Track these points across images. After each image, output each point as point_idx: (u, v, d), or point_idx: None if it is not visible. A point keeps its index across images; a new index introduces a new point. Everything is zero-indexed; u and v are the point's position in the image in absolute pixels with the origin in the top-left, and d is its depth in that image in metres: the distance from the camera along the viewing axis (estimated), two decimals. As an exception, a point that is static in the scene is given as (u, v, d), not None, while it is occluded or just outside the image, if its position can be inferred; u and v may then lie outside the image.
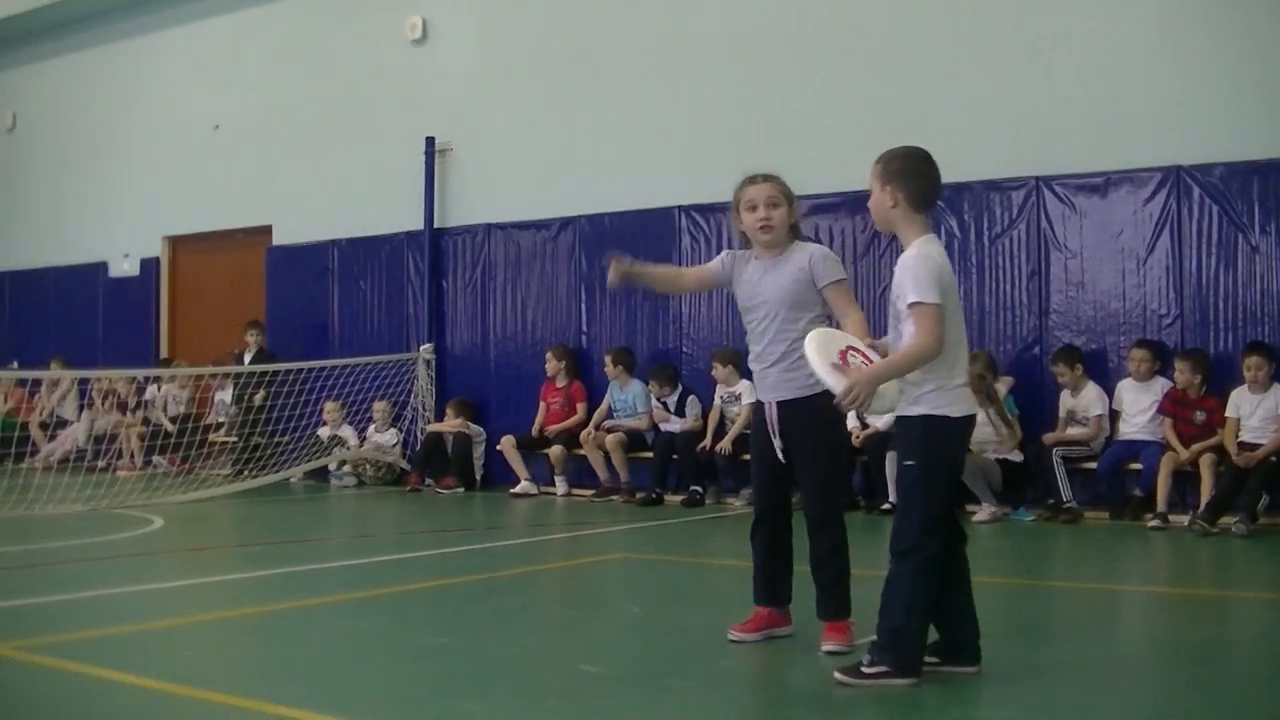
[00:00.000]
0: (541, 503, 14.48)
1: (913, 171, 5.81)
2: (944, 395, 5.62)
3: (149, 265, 21.13)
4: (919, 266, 5.60)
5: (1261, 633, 7.35)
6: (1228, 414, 11.70)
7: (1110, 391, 12.55)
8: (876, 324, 13.54)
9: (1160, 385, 12.28)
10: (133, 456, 18.55)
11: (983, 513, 12.10)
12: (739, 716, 5.52)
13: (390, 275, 17.89)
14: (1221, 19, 12.49)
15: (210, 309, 20.52)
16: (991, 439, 12.12)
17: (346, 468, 16.77)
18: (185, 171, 20.52)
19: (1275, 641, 7.11)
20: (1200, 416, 11.92)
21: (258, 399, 17.05)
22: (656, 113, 15.71)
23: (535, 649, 6.60)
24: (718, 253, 14.38)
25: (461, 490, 15.63)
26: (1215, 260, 12.32)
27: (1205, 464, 11.58)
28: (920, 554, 5.57)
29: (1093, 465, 12.35)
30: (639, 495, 14.20)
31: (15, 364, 20.78)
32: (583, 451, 14.98)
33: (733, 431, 13.79)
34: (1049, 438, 12.38)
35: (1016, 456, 12.37)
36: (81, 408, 20.02)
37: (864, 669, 5.53)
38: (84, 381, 19.80)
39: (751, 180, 6.57)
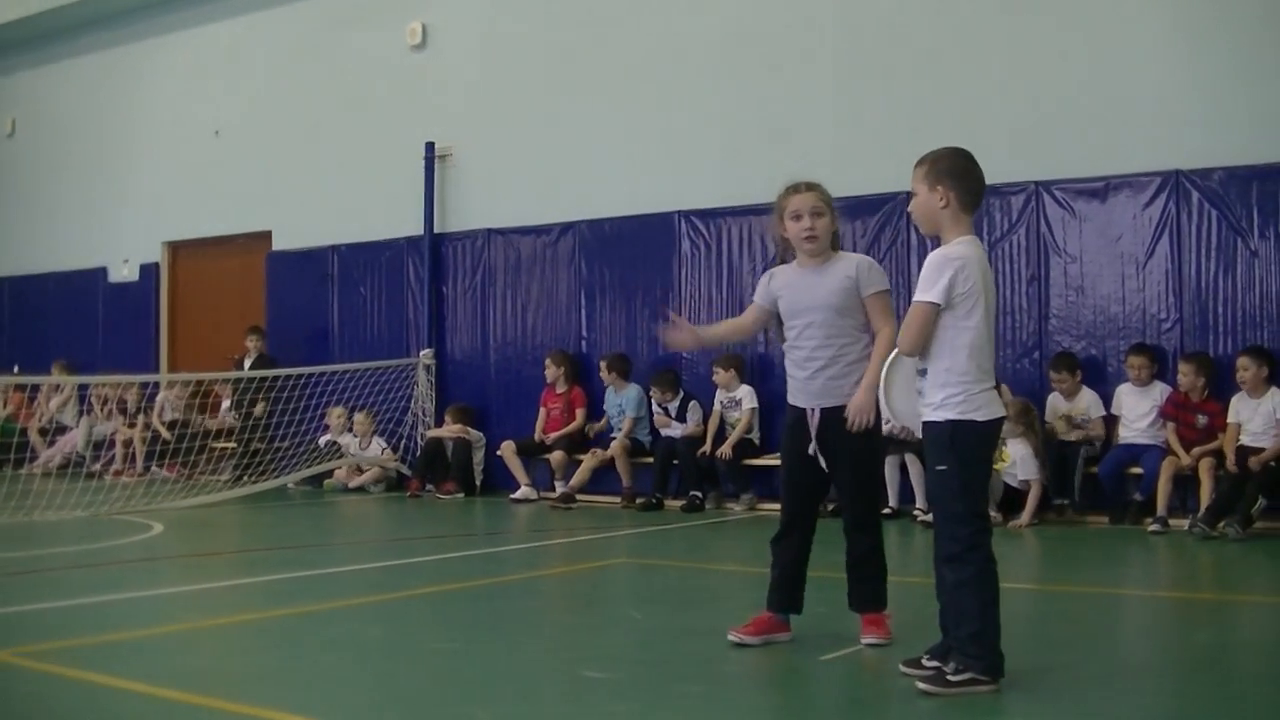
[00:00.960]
0: (542, 508, 14.46)
1: (963, 171, 5.84)
2: (972, 400, 5.64)
3: (149, 271, 21.13)
4: (934, 266, 5.66)
5: (1263, 637, 7.37)
6: (1229, 419, 11.69)
7: (1108, 396, 12.56)
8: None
9: (1160, 390, 12.28)
10: (130, 461, 18.53)
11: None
12: (742, 722, 5.53)
13: (390, 280, 17.89)
14: (1221, 24, 12.49)
15: (210, 315, 20.52)
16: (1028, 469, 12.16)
17: (371, 479, 16.71)
18: (186, 177, 20.52)
19: (1278, 645, 7.11)
20: (1202, 420, 11.92)
21: (258, 407, 17.02)
22: (656, 118, 15.72)
23: (538, 654, 6.61)
24: (718, 259, 14.54)
25: (462, 496, 15.62)
26: (1214, 265, 12.32)
27: (1205, 468, 11.58)
28: (977, 555, 5.59)
29: (1093, 469, 12.35)
30: (640, 500, 14.19)
31: (16, 369, 20.79)
32: (582, 457, 14.95)
33: (733, 437, 13.79)
34: (1071, 434, 12.44)
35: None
36: (81, 413, 20.01)
37: (950, 677, 5.51)
38: (83, 387, 19.80)
39: (795, 189, 6.64)
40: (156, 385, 19.18)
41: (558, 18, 16.69)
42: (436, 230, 17.44)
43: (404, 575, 9.75)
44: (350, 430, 16.94)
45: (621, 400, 14.98)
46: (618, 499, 14.50)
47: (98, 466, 18.20)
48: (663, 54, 15.75)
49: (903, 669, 5.84)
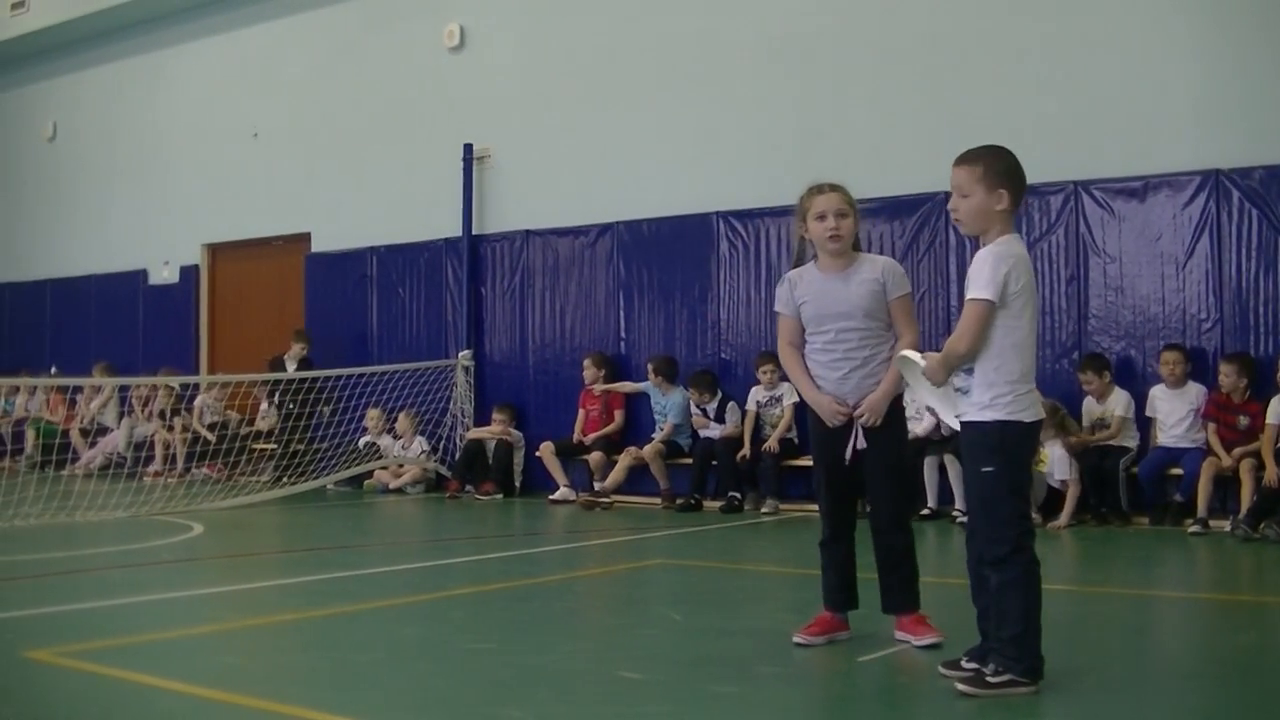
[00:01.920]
0: (580, 509, 14.45)
1: (1017, 171, 5.83)
2: (1019, 400, 5.63)
3: (189, 273, 21.23)
4: (987, 263, 5.63)
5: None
6: (1269, 420, 11.62)
7: (1141, 398, 12.50)
8: (923, 333, 13.62)
9: (1195, 391, 12.21)
10: (170, 462, 18.59)
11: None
12: (779, 723, 5.52)
13: (429, 282, 17.93)
14: (1260, 22, 12.42)
15: (249, 316, 20.62)
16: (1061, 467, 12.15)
17: (410, 480, 16.74)
18: (224, 179, 20.61)
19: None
20: (1244, 421, 11.85)
21: (322, 408, 17.04)
22: (694, 119, 15.71)
23: (576, 655, 6.60)
24: (755, 260, 14.52)
25: (500, 496, 15.65)
26: (1255, 264, 12.25)
27: (1246, 469, 11.50)
28: (1022, 557, 5.57)
29: (1133, 470, 12.29)
30: (678, 501, 14.18)
31: (54, 370, 20.90)
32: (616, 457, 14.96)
33: (778, 431, 13.76)
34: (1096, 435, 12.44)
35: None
36: (121, 415, 20.11)
37: (990, 679, 5.49)
38: (124, 388, 19.90)
39: (819, 190, 6.62)
40: (190, 387, 19.24)
41: (595, 18, 16.71)
42: (475, 231, 17.47)
43: (441, 576, 9.77)
44: (389, 431, 16.98)
45: (666, 403, 14.97)
46: (656, 500, 14.49)
47: (139, 468, 18.27)
48: (700, 54, 15.75)
49: (942, 671, 5.82)
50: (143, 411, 19.78)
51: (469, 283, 17.34)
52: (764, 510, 13.66)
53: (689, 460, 14.60)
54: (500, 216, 17.40)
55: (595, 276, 16.33)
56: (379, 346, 18.28)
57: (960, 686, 5.53)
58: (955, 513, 12.39)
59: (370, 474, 16.82)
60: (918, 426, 12.95)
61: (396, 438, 16.91)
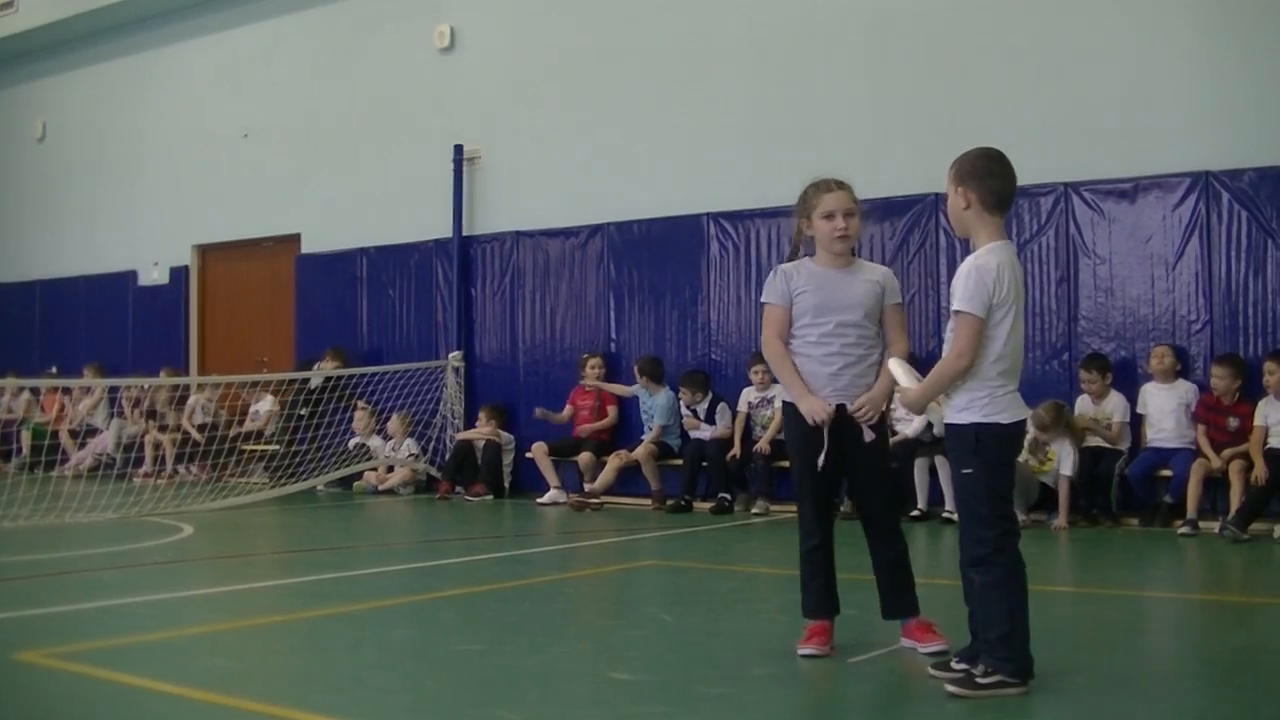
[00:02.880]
0: (570, 510, 14.45)
1: (985, 172, 5.79)
2: (997, 402, 5.64)
3: (179, 274, 21.21)
4: (970, 276, 5.63)
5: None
6: (1255, 423, 11.66)
7: (1132, 399, 12.52)
8: (911, 334, 13.63)
9: (1185, 389, 12.26)
10: (160, 463, 18.57)
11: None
12: (770, 724, 5.52)
13: (419, 283, 17.92)
14: (1250, 24, 12.45)
15: (240, 317, 20.63)
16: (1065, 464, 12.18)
17: (400, 481, 16.73)
18: (214, 180, 20.61)
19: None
20: (1234, 423, 11.88)
21: (303, 410, 17.05)
22: (685, 120, 15.73)
23: (566, 656, 6.60)
24: (746, 261, 14.52)
25: (491, 498, 15.65)
26: (1245, 266, 12.27)
27: (1235, 471, 11.52)
28: (1003, 558, 5.59)
29: (1124, 471, 12.32)
30: (669, 502, 14.18)
31: (54, 369, 20.88)
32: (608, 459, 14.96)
33: (769, 432, 13.76)
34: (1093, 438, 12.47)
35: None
36: (111, 416, 20.10)
37: (979, 680, 5.50)
38: (113, 389, 19.89)
39: (827, 187, 6.54)
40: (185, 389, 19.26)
41: (585, 20, 16.72)
42: (465, 233, 17.47)
43: (432, 577, 9.76)
44: (378, 432, 16.98)
45: (652, 405, 14.97)
46: (647, 501, 14.50)
47: (128, 470, 18.25)
48: (691, 56, 15.76)
49: (931, 672, 5.83)
50: (132, 412, 19.77)
51: (459, 284, 17.33)
52: (755, 511, 13.66)
53: (680, 461, 14.60)
54: (490, 217, 17.40)
55: (586, 278, 16.33)
56: (369, 348, 18.25)
57: (950, 688, 5.53)
58: (945, 513, 12.41)
59: (360, 475, 16.81)
60: (907, 428, 12.99)
61: (387, 439, 16.90)
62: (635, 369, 15.11)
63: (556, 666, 6.33)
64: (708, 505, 14.04)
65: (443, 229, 17.56)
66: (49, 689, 5.95)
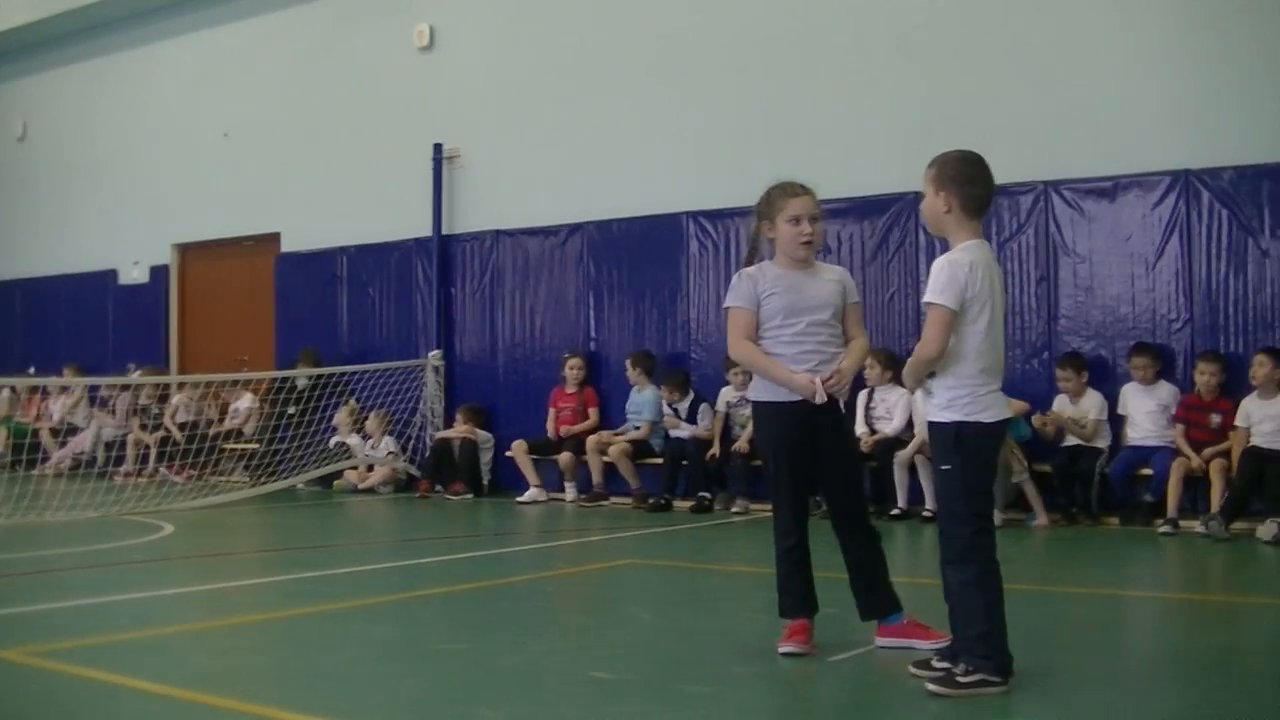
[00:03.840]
0: (550, 509, 14.47)
1: (968, 178, 5.84)
2: (978, 401, 5.67)
3: (159, 272, 21.17)
4: (944, 270, 5.68)
5: (1275, 639, 7.34)
6: (1237, 422, 11.68)
7: (1112, 398, 12.55)
8: (883, 329, 13.65)
9: (1165, 391, 12.27)
10: (142, 462, 18.54)
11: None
12: (751, 722, 5.52)
13: (399, 282, 17.90)
14: (1229, 22, 12.47)
15: (220, 316, 20.59)
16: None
17: (380, 480, 16.72)
18: (195, 179, 20.57)
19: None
20: (1216, 420, 11.90)
21: (291, 409, 17.03)
22: (664, 119, 15.72)
23: (546, 655, 6.60)
24: (725, 260, 14.53)
25: (470, 496, 15.64)
26: (1225, 264, 12.30)
27: (1216, 470, 11.55)
28: (979, 555, 5.61)
29: (1104, 470, 12.33)
30: (649, 501, 14.18)
31: (32, 370, 20.82)
32: (584, 458, 14.98)
33: (748, 431, 13.69)
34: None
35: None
36: (91, 415, 20.06)
37: (959, 679, 5.50)
38: (93, 388, 19.85)
39: (792, 191, 6.54)
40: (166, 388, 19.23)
41: (565, 19, 16.71)
42: (445, 232, 17.46)
43: (412, 576, 9.75)
44: (358, 431, 16.96)
45: (640, 401, 14.98)
46: (627, 500, 14.50)
47: (108, 469, 18.21)
48: (671, 55, 15.76)
49: (912, 671, 5.83)
50: (106, 410, 19.74)
51: (439, 283, 17.32)
52: (734, 510, 13.66)
53: (659, 460, 14.60)
54: (470, 216, 17.39)
55: (565, 276, 16.33)
56: (349, 346, 18.23)
57: (930, 687, 5.53)
58: (925, 512, 12.42)
59: (340, 474, 16.79)
60: (886, 426, 13.01)
61: (365, 438, 16.88)
62: (628, 361, 15.11)
63: (537, 665, 6.33)
64: (687, 504, 14.03)
65: (422, 228, 17.55)
66: (29, 687, 5.93)
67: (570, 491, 14.98)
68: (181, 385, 18.93)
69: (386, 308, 18.06)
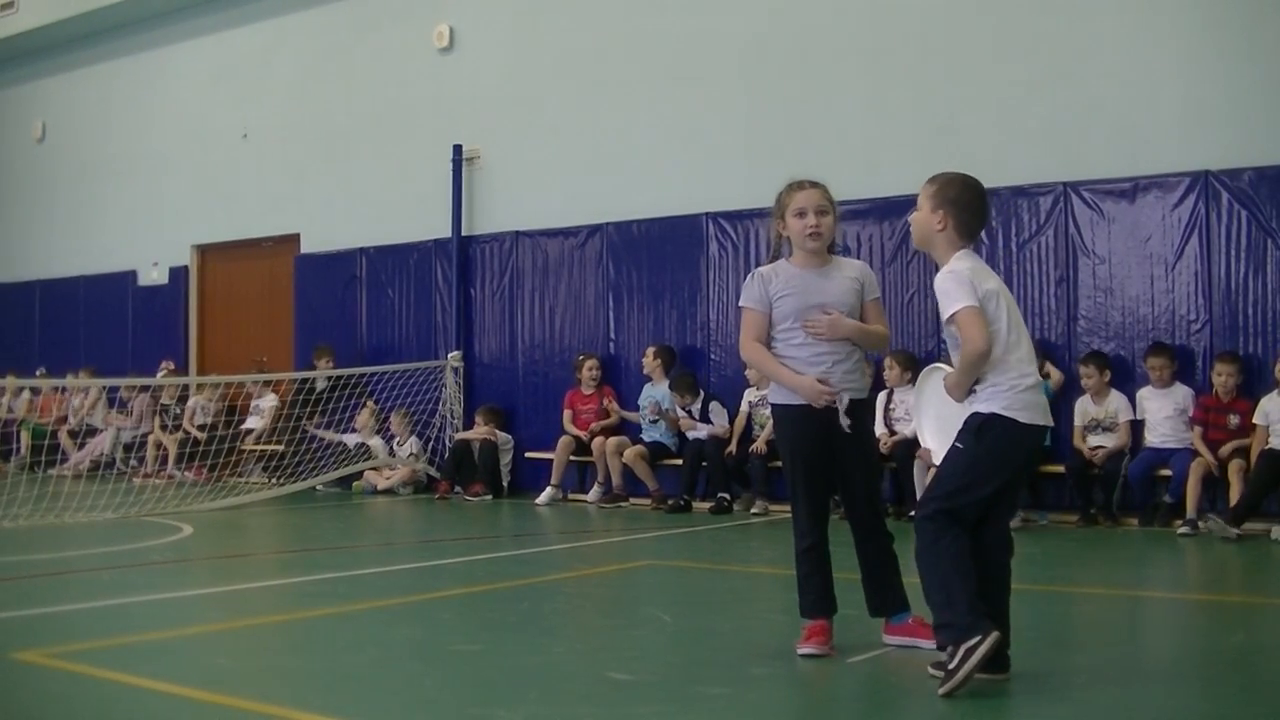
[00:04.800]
0: (570, 510, 14.48)
1: (966, 204, 5.91)
2: (1017, 397, 5.70)
3: (178, 274, 21.21)
4: (946, 282, 5.77)
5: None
6: (1256, 420, 11.66)
7: (1132, 397, 12.51)
8: (902, 330, 13.62)
9: (1182, 394, 12.24)
10: (162, 463, 18.59)
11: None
12: (769, 723, 5.52)
13: (418, 283, 17.92)
14: (1249, 24, 12.45)
15: (239, 317, 20.62)
16: None
17: (400, 481, 16.72)
18: (214, 180, 20.61)
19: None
20: (1234, 420, 11.86)
21: (312, 421, 17.08)
22: (684, 120, 15.72)
23: (565, 656, 6.61)
24: (745, 261, 14.51)
25: (489, 498, 15.65)
26: (1244, 265, 12.27)
27: (1235, 471, 11.51)
28: (932, 525, 5.71)
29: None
30: (669, 502, 14.17)
31: (41, 371, 20.86)
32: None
33: (766, 431, 13.71)
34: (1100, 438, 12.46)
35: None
36: (108, 417, 20.12)
37: (950, 666, 5.49)
38: (112, 389, 19.90)
39: (799, 186, 6.54)
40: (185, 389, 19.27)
41: (584, 20, 16.72)
42: (464, 233, 17.47)
43: (431, 577, 9.76)
44: (379, 432, 16.98)
45: (653, 396, 14.99)
46: (646, 501, 14.50)
47: (128, 469, 18.25)
48: (690, 55, 15.76)
49: (931, 671, 5.82)
50: (124, 413, 19.80)
51: (458, 284, 17.33)
52: (754, 511, 13.65)
53: (678, 461, 14.59)
54: (489, 217, 17.40)
55: (585, 277, 16.33)
56: (368, 347, 18.25)
57: (938, 690, 5.52)
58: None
59: (360, 475, 16.81)
60: (905, 428, 12.99)
61: (389, 438, 16.90)
62: (650, 350, 15.13)
63: (555, 666, 6.33)
64: (706, 505, 14.02)
65: (441, 229, 17.56)
66: (48, 688, 5.95)
67: (594, 492, 14.96)
68: (201, 387, 18.96)
69: (406, 309, 18.08)
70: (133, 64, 22.11)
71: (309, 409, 17.11)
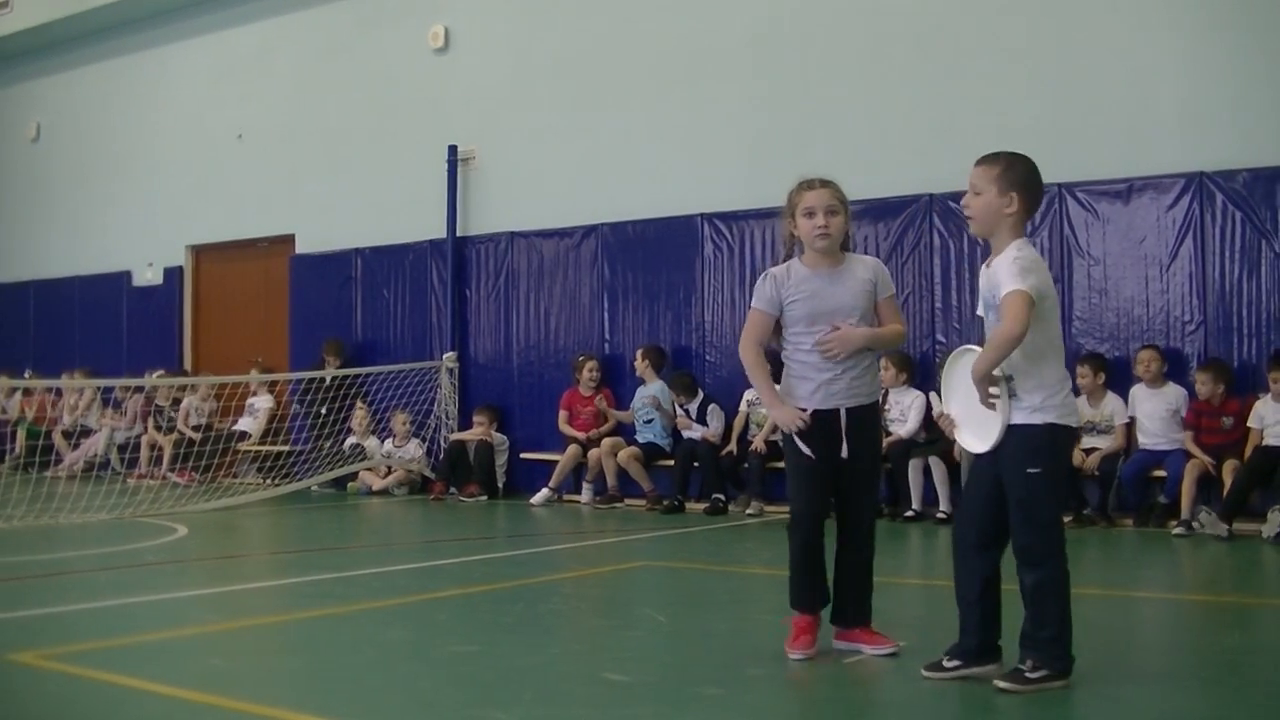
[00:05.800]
0: (565, 511, 14.48)
1: (1036, 185, 5.92)
2: (1066, 404, 5.74)
3: (173, 274, 21.20)
4: (1019, 260, 5.69)
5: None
6: (1250, 424, 11.69)
7: (1126, 398, 12.51)
8: (908, 335, 13.61)
9: (1174, 394, 12.24)
10: (156, 464, 18.57)
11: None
12: (765, 724, 5.52)
13: (413, 283, 17.92)
14: (1244, 25, 12.46)
15: (234, 318, 20.61)
16: None
17: (395, 482, 16.72)
18: (209, 180, 20.59)
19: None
20: (1228, 422, 11.89)
21: (324, 410, 17.08)
22: (680, 121, 15.73)
23: (561, 657, 6.61)
24: (740, 262, 14.51)
25: (485, 498, 15.64)
26: (1239, 267, 12.28)
27: (1228, 470, 11.53)
28: (1060, 560, 5.69)
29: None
30: (663, 503, 14.17)
31: (29, 373, 20.83)
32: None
33: (764, 431, 13.70)
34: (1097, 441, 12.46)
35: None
36: (102, 417, 20.11)
37: (1029, 675, 5.55)
38: (106, 390, 19.89)
39: (809, 185, 6.48)
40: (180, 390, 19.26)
41: (580, 21, 16.72)
42: (459, 233, 17.47)
43: (427, 577, 9.75)
44: (374, 433, 16.98)
45: (654, 391, 14.98)
46: (640, 502, 14.51)
47: (121, 470, 18.25)
48: (686, 56, 15.76)
49: (924, 673, 5.83)
50: (118, 413, 19.79)
51: (454, 284, 17.33)
52: (749, 512, 13.63)
53: (671, 462, 14.59)
54: (485, 218, 17.40)
55: (580, 278, 16.33)
56: (363, 348, 18.24)
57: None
58: (939, 514, 12.43)
59: (355, 475, 16.80)
60: (901, 429, 13.00)
61: (387, 439, 16.90)
62: (639, 352, 15.14)
63: (551, 667, 6.34)
64: (701, 506, 14.02)
65: (437, 229, 17.57)
66: (44, 690, 5.94)
67: (586, 494, 14.98)
68: (195, 388, 18.94)
69: (401, 309, 18.07)
70: (128, 64, 22.09)
71: (319, 396, 17.11)
